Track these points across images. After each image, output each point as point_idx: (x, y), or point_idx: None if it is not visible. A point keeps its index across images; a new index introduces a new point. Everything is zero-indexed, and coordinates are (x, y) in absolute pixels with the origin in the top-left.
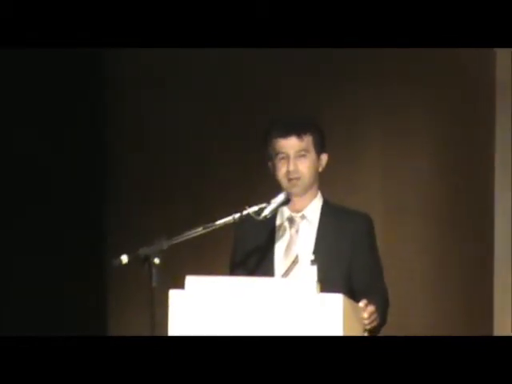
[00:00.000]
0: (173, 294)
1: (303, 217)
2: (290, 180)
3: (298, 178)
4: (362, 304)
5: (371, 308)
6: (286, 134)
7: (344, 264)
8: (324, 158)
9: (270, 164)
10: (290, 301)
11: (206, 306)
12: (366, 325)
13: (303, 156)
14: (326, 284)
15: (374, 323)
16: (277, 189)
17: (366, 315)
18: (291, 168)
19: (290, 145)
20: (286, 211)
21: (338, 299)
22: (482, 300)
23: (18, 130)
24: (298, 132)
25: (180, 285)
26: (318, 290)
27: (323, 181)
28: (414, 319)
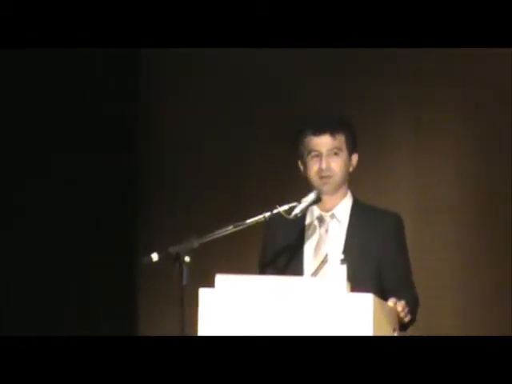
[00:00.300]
0: (203, 292)
1: (333, 216)
2: (321, 178)
3: (329, 177)
4: (390, 303)
5: (402, 303)
6: (319, 132)
7: (373, 263)
8: (355, 158)
9: (300, 163)
10: (321, 300)
11: (236, 305)
12: (402, 318)
13: (336, 154)
14: (356, 283)
15: (408, 317)
16: (307, 188)
17: (399, 308)
18: (323, 166)
19: (323, 143)
20: (315, 210)
21: (368, 299)
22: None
23: (45, 129)
24: (332, 131)
25: (210, 283)
26: (349, 289)
27: (353, 180)
28: (443, 320)
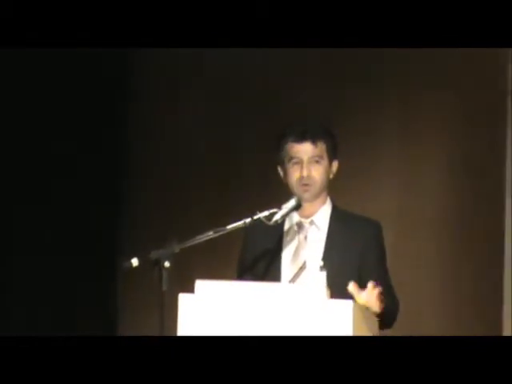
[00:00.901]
0: (182, 297)
1: (312, 222)
2: (302, 185)
3: (310, 184)
4: (370, 285)
5: (380, 289)
6: (301, 139)
7: (353, 271)
8: (335, 165)
9: (280, 168)
10: (301, 306)
11: (215, 311)
12: (379, 305)
13: (317, 162)
14: (335, 290)
15: (383, 304)
16: (287, 194)
17: (376, 292)
18: (304, 173)
19: (304, 150)
20: (294, 216)
21: (347, 305)
22: (494, 304)
23: (34, 130)
24: (313, 138)
25: (190, 289)
26: (328, 295)
27: (337, 189)
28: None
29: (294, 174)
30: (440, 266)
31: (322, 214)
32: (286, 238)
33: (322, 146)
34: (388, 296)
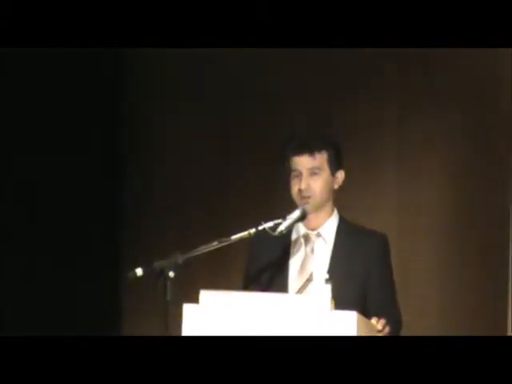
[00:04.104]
0: (187, 308)
1: (319, 235)
2: (302, 198)
3: (309, 197)
4: (373, 321)
5: (383, 321)
6: (299, 151)
7: (358, 284)
8: (340, 175)
9: (287, 180)
10: (305, 317)
11: (219, 321)
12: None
13: (315, 174)
14: (340, 303)
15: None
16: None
17: (379, 327)
18: (303, 186)
19: (302, 162)
20: (301, 228)
21: (351, 316)
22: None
23: (29, 132)
24: (311, 150)
25: (194, 299)
26: (333, 307)
27: (340, 199)
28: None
29: (295, 187)
30: (441, 279)
31: (329, 226)
32: (293, 250)
33: (321, 157)
34: (391, 316)
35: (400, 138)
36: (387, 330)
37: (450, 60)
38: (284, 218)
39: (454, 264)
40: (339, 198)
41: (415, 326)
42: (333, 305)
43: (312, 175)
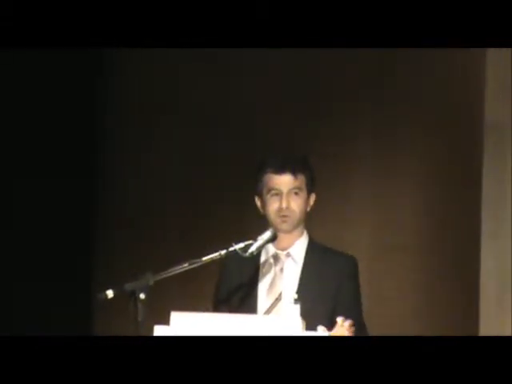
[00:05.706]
0: (158, 329)
1: (288, 255)
2: (280, 217)
3: (288, 216)
4: (339, 320)
5: (349, 321)
6: (281, 170)
7: (327, 304)
8: (312, 198)
9: (257, 199)
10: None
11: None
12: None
13: (296, 194)
14: (309, 323)
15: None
16: (264, 225)
17: (346, 324)
18: (284, 205)
19: (284, 182)
20: (271, 248)
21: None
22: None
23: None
24: (294, 170)
25: (165, 320)
26: (304, 327)
27: (313, 218)
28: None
29: (273, 205)
30: (415, 296)
31: (299, 247)
32: (262, 270)
33: (301, 178)
34: (359, 332)
35: (374, 160)
36: (353, 329)
37: (424, 64)
38: (255, 239)
39: (429, 279)
40: (314, 218)
41: None
42: (304, 325)
43: (293, 195)
